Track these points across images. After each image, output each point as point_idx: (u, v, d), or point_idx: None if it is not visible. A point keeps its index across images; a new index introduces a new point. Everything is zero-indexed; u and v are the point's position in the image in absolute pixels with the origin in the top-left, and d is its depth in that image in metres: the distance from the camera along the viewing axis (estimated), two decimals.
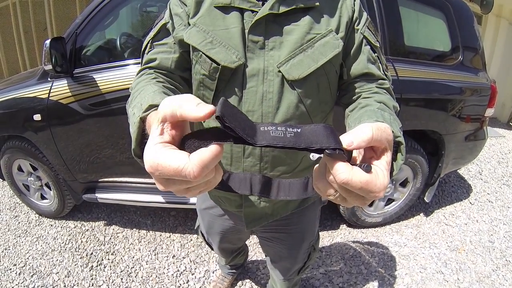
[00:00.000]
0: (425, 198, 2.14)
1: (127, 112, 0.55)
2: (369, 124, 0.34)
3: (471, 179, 2.91)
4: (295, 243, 0.92)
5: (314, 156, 0.38)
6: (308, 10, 0.63)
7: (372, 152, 0.36)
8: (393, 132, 0.44)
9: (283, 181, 0.51)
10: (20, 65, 5.77)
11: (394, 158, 0.44)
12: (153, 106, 0.42)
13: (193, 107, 0.30)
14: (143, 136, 0.41)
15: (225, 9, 0.63)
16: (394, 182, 2.01)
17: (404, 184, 2.04)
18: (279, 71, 0.62)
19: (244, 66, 0.63)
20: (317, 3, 0.63)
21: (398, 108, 0.64)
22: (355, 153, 0.37)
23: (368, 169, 0.33)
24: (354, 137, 0.33)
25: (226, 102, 0.30)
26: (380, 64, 0.68)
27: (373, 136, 0.33)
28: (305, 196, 0.49)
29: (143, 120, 0.41)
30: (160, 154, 0.30)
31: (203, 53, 0.63)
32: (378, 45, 0.68)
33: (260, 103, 0.64)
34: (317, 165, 0.38)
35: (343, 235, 2.04)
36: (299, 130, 0.32)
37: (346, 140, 0.33)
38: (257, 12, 0.61)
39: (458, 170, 2.98)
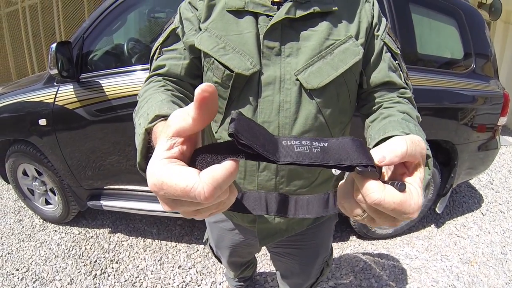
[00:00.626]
0: (436, 209, 2.09)
1: (133, 121, 0.52)
2: (402, 137, 0.31)
3: (482, 189, 2.87)
4: (308, 259, 0.88)
5: (337, 171, 0.35)
6: (326, 15, 0.60)
7: (403, 168, 0.33)
8: None
9: (300, 197, 0.47)
10: (29, 69, 5.85)
11: None
12: (160, 117, 0.39)
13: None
14: (148, 149, 0.37)
15: (238, 13, 0.60)
16: None
17: None
18: (297, 79, 0.59)
19: (259, 74, 0.59)
20: (335, 8, 0.60)
21: (420, 119, 0.60)
22: (383, 169, 0.34)
23: (402, 188, 0.30)
24: (387, 151, 0.30)
25: (240, 116, 0.27)
26: (401, 73, 0.64)
27: (408, 150, 0.30)
28: (325, 214, 0.45)
29: (148, 132, 0.37)
30: (166, 171, 0.25)
31: (215, 59, 0.60)
32: (399, 52, 0.65)
33: (276, 113, 0.60)
34: (342, 181, 0.34)
35: (353, 246, 1.99)
36: (325, 145, 0.29)
37: (378, 155, 0.30)
38: (272, 16, 0.58)
39: (469, 180, 2.94)
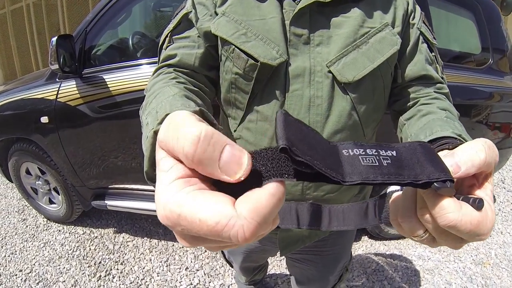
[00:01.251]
0: None
1: (140, 118, 0.44)
2: (478, 142, 0.26)
3: (494, 188, 2.83)
4: (329, 265, 0.82)
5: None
6: (359, 0, 0.54)
7: (473, 178, 0.27)
8: None
9: (334, 207, 0.41)
10: (34, 66, 5.87)
11: None
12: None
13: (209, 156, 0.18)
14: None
15: None
16: None
17: None
18: (329, 71, 0.52)
19: (287, 65, 0.53)
20: None
21: (458, 116, 0.54)
22: None
23: (480, 206, 0.25)
24: (463, 160, 0.25)
25: (288, 118, 0.20)
26: (437, 65, 0.58)
27: (486, 158, 0.25)
28: (366, 225, 0.39)
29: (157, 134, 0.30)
30: (184, 200, 0.18)
31: (236, 47, 0.52)
32: (436, 43, 0.59)
33: (307, 109, 0.54)
34: (397, 195, 0.29)
35: (365, 247, 1.96)
36: (394, 154, 0.23)
37: (451, 164, 0.25)
38: (300, 0, 0.52)
39: None
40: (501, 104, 1.85)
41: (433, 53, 0.58)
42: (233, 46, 0.53)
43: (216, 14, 0.56)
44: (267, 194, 0.17)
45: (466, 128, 1.45)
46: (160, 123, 0.30)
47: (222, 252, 1.03)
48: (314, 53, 0.52)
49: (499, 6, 2.89)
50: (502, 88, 1.86)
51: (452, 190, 0.24)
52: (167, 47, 0.58)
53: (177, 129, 0.18)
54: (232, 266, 1.07)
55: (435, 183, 0.23)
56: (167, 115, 0.28)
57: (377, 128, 0.66)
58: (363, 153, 0.22)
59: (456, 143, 0.36)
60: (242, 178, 0.17)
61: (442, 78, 0.59)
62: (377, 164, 0.22)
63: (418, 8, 0.59)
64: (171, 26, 0.59)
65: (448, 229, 0.24)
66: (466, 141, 0.39)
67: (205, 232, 0.17)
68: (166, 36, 0.59)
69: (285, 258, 0.91)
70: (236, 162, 0.17)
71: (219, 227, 0.17)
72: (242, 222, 0.17)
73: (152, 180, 0.30)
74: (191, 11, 0.57)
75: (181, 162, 0.19)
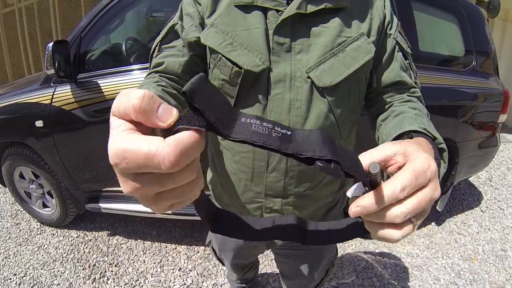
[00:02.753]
0: (437, 207, 2.11)
1: None
2: (397, 142, 0.32)
3: (481, 186, 2.89)
4: (314, 260, 0.86)
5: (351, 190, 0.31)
6: (338, 11, 0.58)
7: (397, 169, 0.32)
8: (436, 138, 0.45)
9: (321, 224, 0.42)
10: (25, 70, 5.82)
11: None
12: None
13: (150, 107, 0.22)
14: None
15: (246, 8, 0.58)
16: None
17: None
18: (308, 77, 0.57)
19: (269, 71, 0.58)
20: (347, 4, 0.58)
21: (429, 116, 0.60)
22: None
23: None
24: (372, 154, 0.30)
25: (202, 78, 0.24)
26: (411, 72, 0.63)
27: (398, 150, 0.30)
28: (347, 239, 0.42)
29: None
30: (128, 139, 0.22)
31: (222, 55, 0.58)
32: (410, 52, 0.64)
33: (287, 112, 0.58)
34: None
35: (355, 246, 2.00)
36: (289, 133, 0.26)
37: (365, 157, 0.29)
38: (282, 11, 0.56)
39: (468, 178, 2.96)
40: (485, 104, 1.91)
41: (407, 61, 0.63)
42: (220, 55, 0.58)
43: (201, 25, 0.60)
44: (186, 133, 0.22)
45: (451, 128, 1.53)
46: None
47: (214, 251, 1.06)
48: (295, 60, 0.57)
49: (485, 9, 2.97)
50: (486, 89, 1.92)
51: (338, 171, 0.25)
52: (156, 55, 0.65)
53: (128, 93, 0.23)
54: (223, 264, 1.11)
55: (318, 162, 0.25)
56: None
57: (356, 127, 0.70)
58: (259, 123, 0.25)
59: (419, 136, 0.42)
60: (172, 123, 0.23)
61: (416, 83, 0.64)
62: (266, 133, 0.25)
63: (395, 19, 0.64)
64: (160, 36, 0.65)
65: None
66: (430, 134, 0.45)
67: (142, 161, 0.22)
68: (156, 45, 0.65)
69: (274, 256, 0.95)
70: (168, 112, 0.23)
71: (151, 152, 0.21)
72: (167, 149, 0.21)
73: None
74: (177, 23, 0.63)
75: (128, 121, 0.24)
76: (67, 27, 5.08)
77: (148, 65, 0.67)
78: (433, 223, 2.24)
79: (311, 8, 0.56)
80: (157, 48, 0.65)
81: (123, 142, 0.22)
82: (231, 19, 0.58)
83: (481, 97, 1.88)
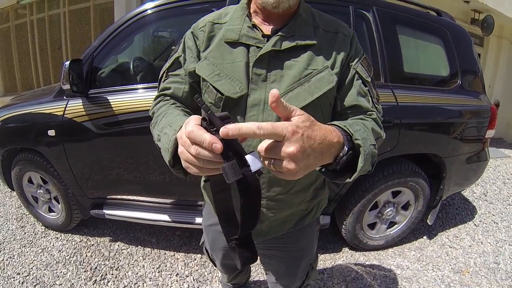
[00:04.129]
0: (427, 221, 2.13)
1: (151, 132, 0.71)
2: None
3: (475, 200, 2.90)
4: (293, 261, 0.95)
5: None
6: (308, 48, 0.70)
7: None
8: (352, 135, 0.54)
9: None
10: (34, 81, 5.94)
11: (355, 162, 0.53)
12: None
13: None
14: (175, 149, 0.53)
15: (233, 44, 0.71)
16: (396, 205, 2.03)
17: (406, 207, 2.05)
18: None
19: (247, 97, 0.69)
20: (315, 42, 0.70)
21: (382, 135, 0.70)
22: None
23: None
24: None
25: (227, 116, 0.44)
26: (370, 97, 0.73)
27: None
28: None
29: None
30: (195, 128, 0.43)
31: (210, 84, 0.70)
32: (370, 80, 0.74)
33: None
34: None
35: (345, 257, 2.03)
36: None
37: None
38: (262, 48, 0.68)
39: (462, 192, 2.97)
40: (472, 120, 1.96)
41: (366, 88, 0.73)
42: (209, 83, 0.71)
43: (198, 57, 0.74)
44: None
45: (438, 144, 1.64)
46: (178, 131, 0.53)
47: (207, 251, 1.15)
48: (269, 88, 0.69)
49: (480, 27, 3.04)
50: (472, 106, 1.96)
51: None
52: (164, 80, 0.80)
53: (186, 124, 0.45)
54: (215, 265, 1.19)
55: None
56: (181, 126, 0.52)
57: None
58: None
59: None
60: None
61: (376, 107, 0.74)
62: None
63: (360, 51, 0.75)
64: (167, 65, 0.80)
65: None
66: (348, 131, 0.55)
67: (198, 140, 0.42)
68: (164, 72, 0.80)
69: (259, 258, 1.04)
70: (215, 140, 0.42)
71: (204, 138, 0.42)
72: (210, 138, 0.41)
73: (173, 166, 0.56)
74: (181, 55, 0.77)
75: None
76: (76, 40, 5.23)
77: (157, 86, 0.83)
78: (424, 237, 2.26)
79: (285, 45, 0.68)
80: (164, 74, 0.80)
81: (192, 129, 0.44)
82: (220, 54, 0.71)
83: (467, 114, 1.94)
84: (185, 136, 0.44)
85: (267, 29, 0.71)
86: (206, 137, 0.41)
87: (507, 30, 5.35)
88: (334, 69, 0.70)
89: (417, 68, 1.96)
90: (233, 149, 0.41)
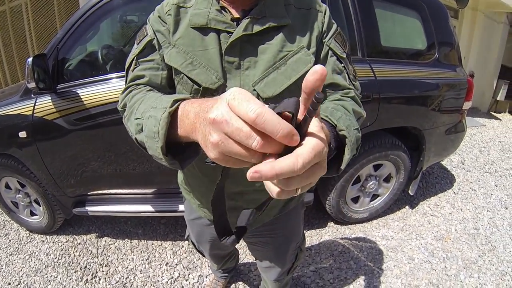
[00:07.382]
0: (409, 191, 2.20)
1: (126, 125, 0.59)
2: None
3: (454, 169, 3.01)
4: (281, 246, 0.95)
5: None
6: (281, 29, 0.65)
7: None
8: (336, 125, 0.49)
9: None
10: (1, 79, 5.64)
11: (342, 152, 0.48)
12: (178, 101, 0.42)
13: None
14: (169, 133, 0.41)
15: (203, 30, 0.64)
16: (378, 178, 2.07)
17: (387, 179, 2.11)
18: (254, 90, 0.64)
19: (224, 86, 0.65)
20: (288, 21, 0.65)
21: (363, 114, 0.67)
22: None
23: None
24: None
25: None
26: (346, 74, 0.70)
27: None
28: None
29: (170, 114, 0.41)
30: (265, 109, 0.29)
31: (184, 74, 0.64)
32: (345, 56, 0.70)
33: None
34: None
35: (331, 232, 2.09)
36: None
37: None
38: (232, 33, 0.63)
39: (441, 161, 3.08)
40: (450, 93, 2.01)
41: (342, 64, 0.69)
42: (182, 74, 0.65)
43: (170, 43, 0.66)
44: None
45: (417, 117, 1.60)
46: (171, 106, 0.41)
47: (193, 244, 1.14)
48: (244, 75, 0.65)
49: (455, 0, 3.08)
50: (449, 79, 2.01)
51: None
52: (134, 68, 0.68)
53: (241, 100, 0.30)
54: (204, 256, 1.19)
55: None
56: (174, 100, 0.42)
57: None
58: None
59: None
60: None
61: (353, 84, 0.70)
62: None
63: (334, 27, 0.70)
64: (136, 51, 0.68)
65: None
66: (332, 122, 0.50)
67: (270, 129, 0.28)
68: (132, 59, 0.68)
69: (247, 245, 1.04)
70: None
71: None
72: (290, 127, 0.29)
73: (166, 154, 0.42)
74: (154, 38, 0.67)
75: None
76: (41, 32, 4.94)
77: (125, 78, 0.70)
78: (407, 207, 2.35)
79: (256, 28, 0.63)
80: (133, 62, 0.68)
81: (260, 110, 0.30)
82: (190, 40, 0.64)
83: (445, 87, 1.97)
84: (246, 117, 0.28)
85: (235, 11, 0.65)
86: (285, 126, 0.28)
87: (481, 3, 5.40)
88: (311, 49, 0.66)
89: (394, 42, 1.96)
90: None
